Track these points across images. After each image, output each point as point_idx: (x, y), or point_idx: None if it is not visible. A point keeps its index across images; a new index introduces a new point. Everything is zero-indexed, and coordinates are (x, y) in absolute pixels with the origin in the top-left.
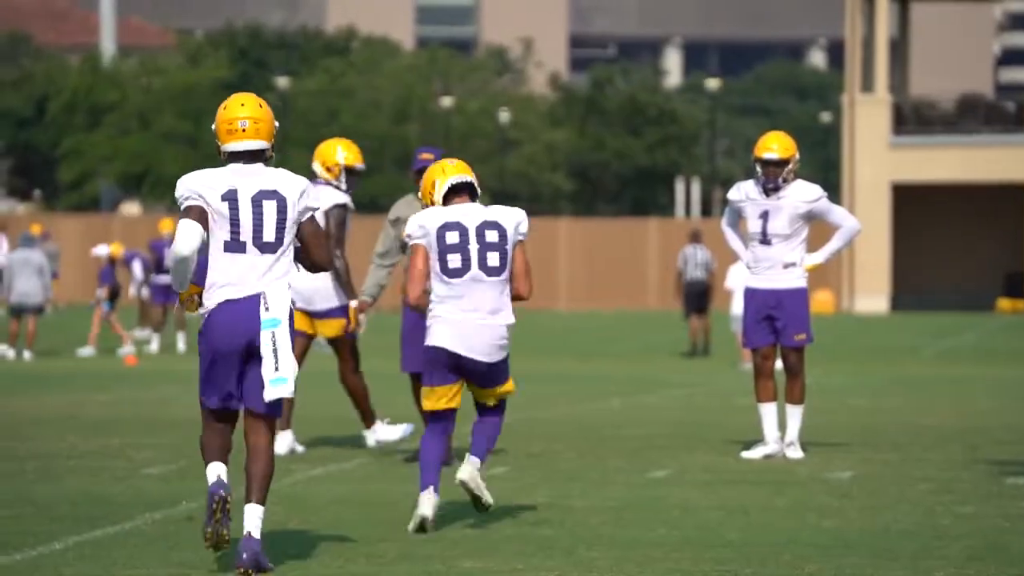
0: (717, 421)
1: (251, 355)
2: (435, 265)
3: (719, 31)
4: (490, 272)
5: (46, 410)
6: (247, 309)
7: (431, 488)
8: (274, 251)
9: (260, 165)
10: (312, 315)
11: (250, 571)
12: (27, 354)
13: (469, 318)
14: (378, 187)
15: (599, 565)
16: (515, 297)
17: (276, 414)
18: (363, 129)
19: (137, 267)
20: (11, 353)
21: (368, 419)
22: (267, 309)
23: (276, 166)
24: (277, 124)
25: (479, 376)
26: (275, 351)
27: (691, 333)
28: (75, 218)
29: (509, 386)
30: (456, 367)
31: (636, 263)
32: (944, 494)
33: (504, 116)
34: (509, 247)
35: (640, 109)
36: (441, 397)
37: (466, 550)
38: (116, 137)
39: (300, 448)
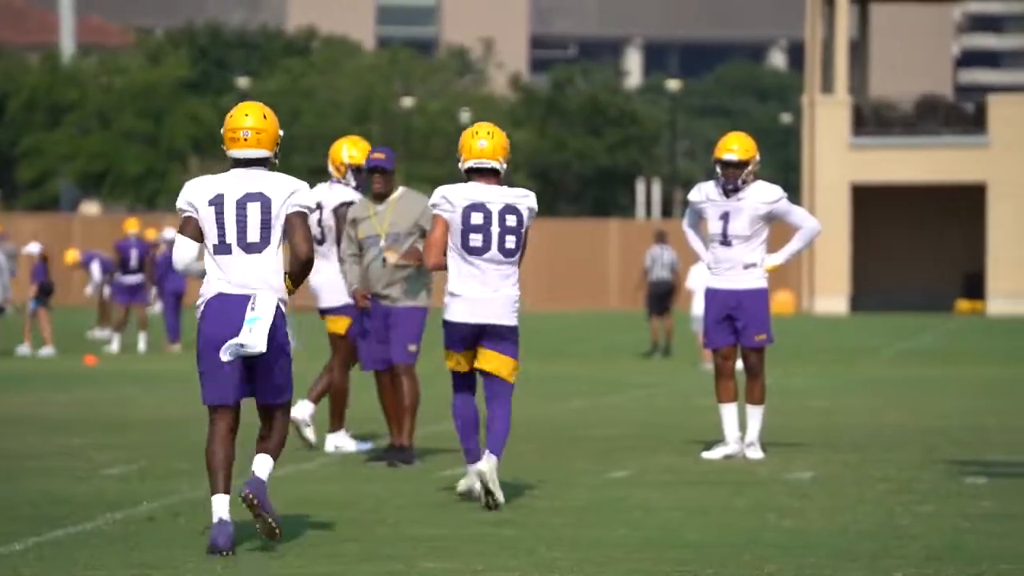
0: (678, 421)
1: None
2: (456, 241)
3: (680, 32)
4: (507, 254)
5: (5, 410)
6: (238, 305)
7: (476, 459)
8: (260, 251)
9: (260, 170)
10: (320, 311)
11: (251, 496)
12: None
13: (484, 292)
14: None
15: (560, 566)
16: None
17: (286, 400)
18: (324, 129)
19: (96, 268)
20: None
21: (338, 422)
22: (252, 308)
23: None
24: (282, 132)
25: (495, 339)
26: (252, 310)
27: (652, 333)
28: (34, 217)
29: (512, 368)
30: (475, 335)
31: (597, 263)
32: (903, 494)
33: (465, 116)
34: (523, 231)
35: (601, 110)
36: (461, 360)
37: (428, 550)
38: (76, 136)
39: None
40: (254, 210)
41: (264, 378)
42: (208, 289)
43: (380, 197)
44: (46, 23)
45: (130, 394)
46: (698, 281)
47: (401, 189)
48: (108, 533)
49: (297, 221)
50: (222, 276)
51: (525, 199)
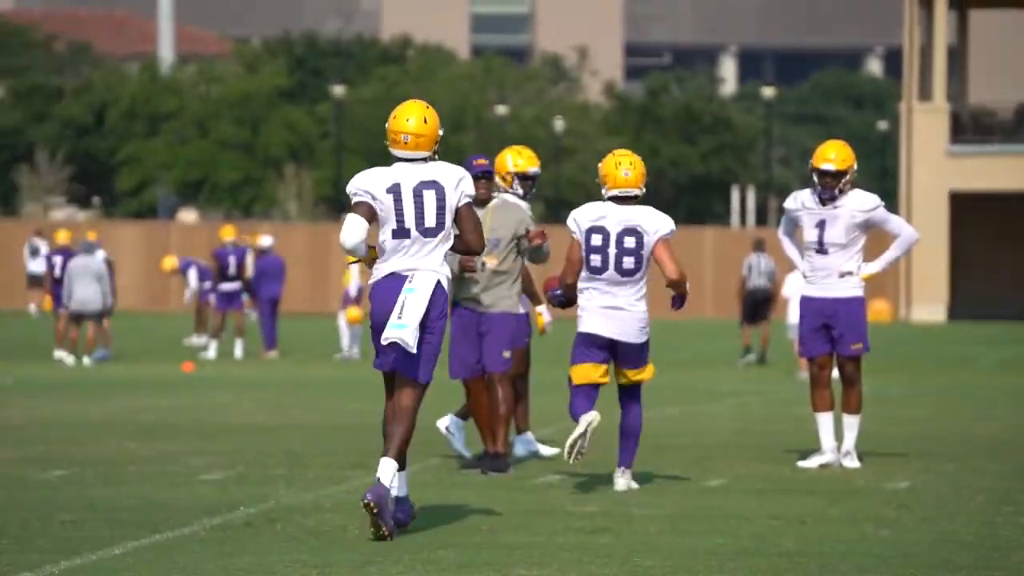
0: (773, 430)
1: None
2: (583, 260)
3: (775, 39)
4: (624, 274)
5: (105, 415)
6: (402, 284)
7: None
8: (435, 235)
9: (421, 163)
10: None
11: (371, 504)
12: (87, 360)
13: (610, 309)
14: None
15: (654, 574)
16: (676, 283)
17: (423, 380)
18: None
19: (192, 275)
20: (71, 360)
21: (523, 423)
22: (410, 280)
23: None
24: (441, 132)
25: (625, 356)
26: (403, 305)
27: (744, 339)
28: (133, 225)
29: (648, 372)
30: (605, 347)
31: (692, 272)
32: (1003, 505)
33: (559, 124)
34: (646, 251)
35: (695, 117)
36: (586, 373)
37: (522, 558)
38: (174, 145)
39: (544, 449)
40: (430, 197)
41: (408, 352)
42: (381, 270)
43: (482, 203)
44: (145, 33)
45: (227, 400)
46: (794, 289)
47: (499, 196)
48: (205, 538)
49: (466, 212)
50: (396, 258)
51: (648, 222)
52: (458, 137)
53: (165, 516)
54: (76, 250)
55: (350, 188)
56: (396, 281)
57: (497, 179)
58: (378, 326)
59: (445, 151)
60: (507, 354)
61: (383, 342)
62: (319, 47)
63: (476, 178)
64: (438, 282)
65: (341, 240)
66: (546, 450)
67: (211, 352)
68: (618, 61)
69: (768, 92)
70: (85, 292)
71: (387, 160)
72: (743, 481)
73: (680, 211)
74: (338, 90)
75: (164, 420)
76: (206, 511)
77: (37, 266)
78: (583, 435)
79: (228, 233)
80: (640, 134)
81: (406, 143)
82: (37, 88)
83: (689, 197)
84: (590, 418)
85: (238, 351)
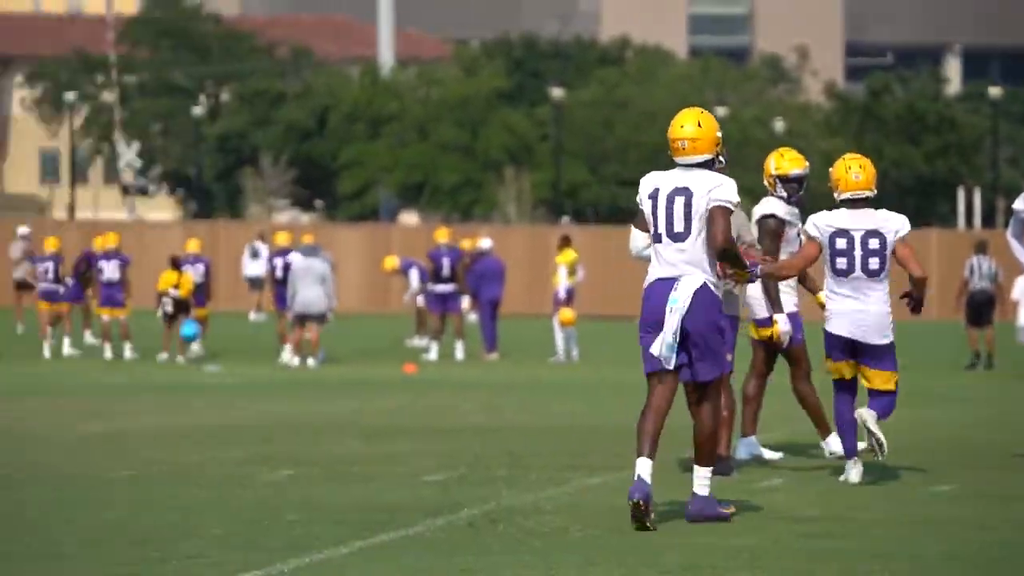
0: (998, 437)
1: (683, 334)
2: (827, 263)
3: (1001, 38)
4: (870, 274)
5: (329, 416)
6: (667, 289)
7: (852, 455)
8: (683, 239)
9: (696, 170)
10: (755, 322)
11: (641, 504)
12: (311, 362)
13: (856, 308)
14: None
15: None
16: (922, 280)
17: (708, 380)
18: (638, 139)
19: (414, 275)
20: (296, 361)
21: (823, 429)
22: (674, 290)
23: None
24: (720, 133)
25: (873, 357)
26: (665, 320)
27: (971, 342)
28: (355, 228)
29: (893, 380)
30: (850, 349)
31: None
32: None
33: (779, 125)
34: (889, 252)
35: (919, 117)
36: (840, 368)
37: (746, 562)
38: (395, 148)
39: (769, 453)
40: (679, 203)
41: (695, 355)
42: (649, 275)
43: None
44: (366, 37)
45: (448, 402)
46: (1023, 291)
47: (763, 200)
48: (429, 539)
49: (716, 214)
50: (659, 262)
51: (888, 222)
52: None
53: (389, 516)
54: (296, 251)
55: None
56: (662, 286)
57: (765, 182)
58: (650, 324)
59: (665, 153)
60: (729, 356)
61: (655, 352)
62: (538, 49)
63: None
64: (703, 284)
65: (630, 249)
66: (769, 454)
67: (432, 354)
68: (839, 61)
69: (995, 92)
70: (309, 294)
71: (604, 163)
72: (972, 486)
73: (905, 212)
74: (557, 92)
75: (386, 421)
76: (429, 512)
77: (255, 269)
78: (872, 433)
79: (442, 235)
80: (861, 134)
81: (684, 149)
82: (261, 93)
83: (914, 198)
84: (863, 416)
85: (459, 353)
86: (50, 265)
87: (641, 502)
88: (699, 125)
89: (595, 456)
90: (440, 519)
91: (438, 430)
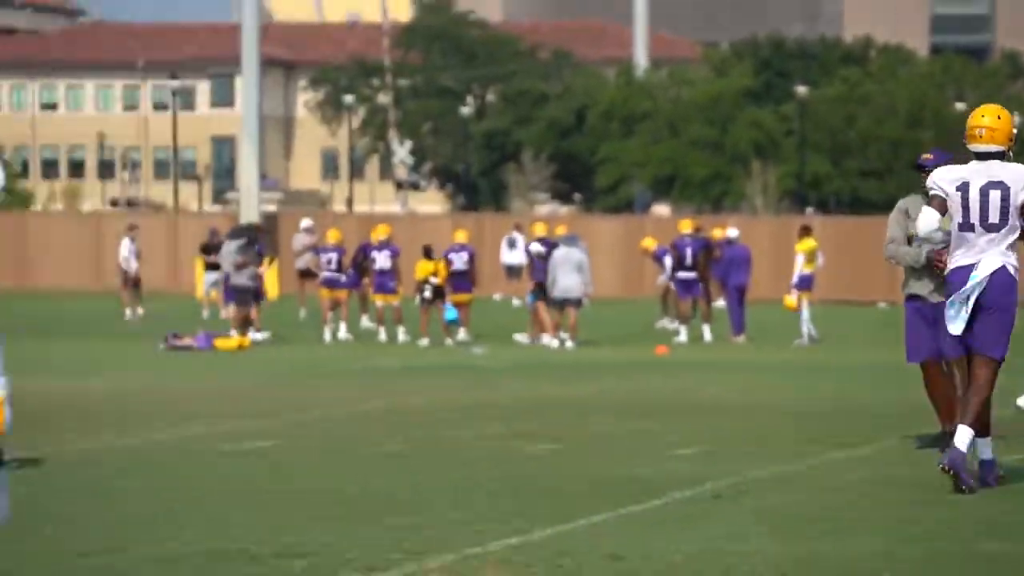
0: None
1: (976, 308)
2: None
3: None
4: (989, 229)
5: (583, 395)
6: (969, 273)
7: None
8: (998, 230)
9: (994, 162)
10: None
11: (947, 468)
12: (569, 344)
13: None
14: (893, 188)
15: None
16: None
17: (997, 356)
18: (878, 133)
19: (668, 262)
20: (555, 343)
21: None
22: (975, 268)
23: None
24: (1015, 130)
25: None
26: (967, 299)
27: None
28: (611, 219)
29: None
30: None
31: None
32: None
33: (1016, 120)
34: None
35: None
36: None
37: (987, 530)
38: (648, 144)
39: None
40: (995, 196)
41: (978, 328)
42: (953, 260)
43: (925, 195)
44: (622, 39)
45: (697, 382)
46: None
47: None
48: (679, 510)
49: None
50: (963, 250)
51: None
52: (916, 134)
53: (642, 488)
54: (555, 241)
55: (929, 182)
56: (963, 272)
57: None
58: (949, 307)
59: (904, 147)
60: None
61: (951, 312)
62: (784, 49)
63: (918, 168)
64: (1002, 266)
65: (916, 229)
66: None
67: (682, 336)
68: None
69: None
70: (568, 281)
71: (846, 156)
72: None
73: None
74: (802, 90)
75: (633, 400)
76: (679, 484)
77: (513, 258)
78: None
79: (686, 226)
80: None
81: (980, 136)
82: (523, 93)
83: None
84: None
85: (707, 335)
86: (333, 256)
87: (948, 466)
88: (998, 118)
89: (832, 435)
90: (688, 491)
91: (688, 408)
